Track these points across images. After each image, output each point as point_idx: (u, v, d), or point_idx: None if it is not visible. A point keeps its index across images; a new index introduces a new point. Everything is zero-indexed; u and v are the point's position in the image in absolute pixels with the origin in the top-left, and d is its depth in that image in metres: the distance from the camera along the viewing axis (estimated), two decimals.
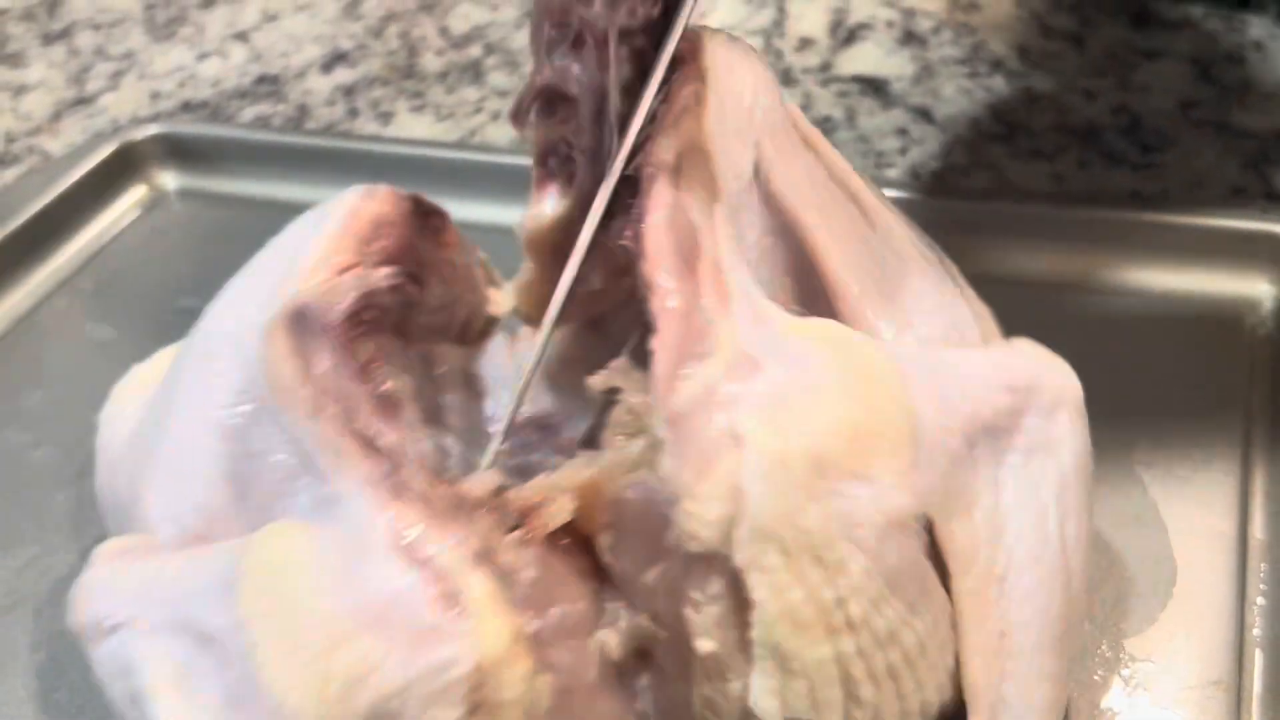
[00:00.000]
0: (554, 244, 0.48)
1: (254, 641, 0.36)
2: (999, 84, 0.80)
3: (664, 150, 0.42)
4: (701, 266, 0.39)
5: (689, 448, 0.36)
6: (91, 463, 0.58)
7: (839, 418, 0.36)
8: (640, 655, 0.40)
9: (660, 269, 0.39)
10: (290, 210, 0.72)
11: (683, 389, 0.37)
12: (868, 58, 0.84)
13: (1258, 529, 0.50)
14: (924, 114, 0.78)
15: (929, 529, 0.38)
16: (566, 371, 0.50)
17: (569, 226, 0.48)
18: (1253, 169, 0.70)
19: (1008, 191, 0.70)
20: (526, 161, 0.70)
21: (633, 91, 0.44)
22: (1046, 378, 0.42)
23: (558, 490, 0.39)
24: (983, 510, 0.40)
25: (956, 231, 0.63)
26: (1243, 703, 0.45)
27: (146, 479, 0.45)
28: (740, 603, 0.36)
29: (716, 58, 0.44)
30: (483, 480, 0.40)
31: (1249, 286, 0.61)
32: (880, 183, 0.67)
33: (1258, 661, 0.46)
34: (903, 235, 0.46)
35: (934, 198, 0.65)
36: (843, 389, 0.37)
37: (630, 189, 0.44)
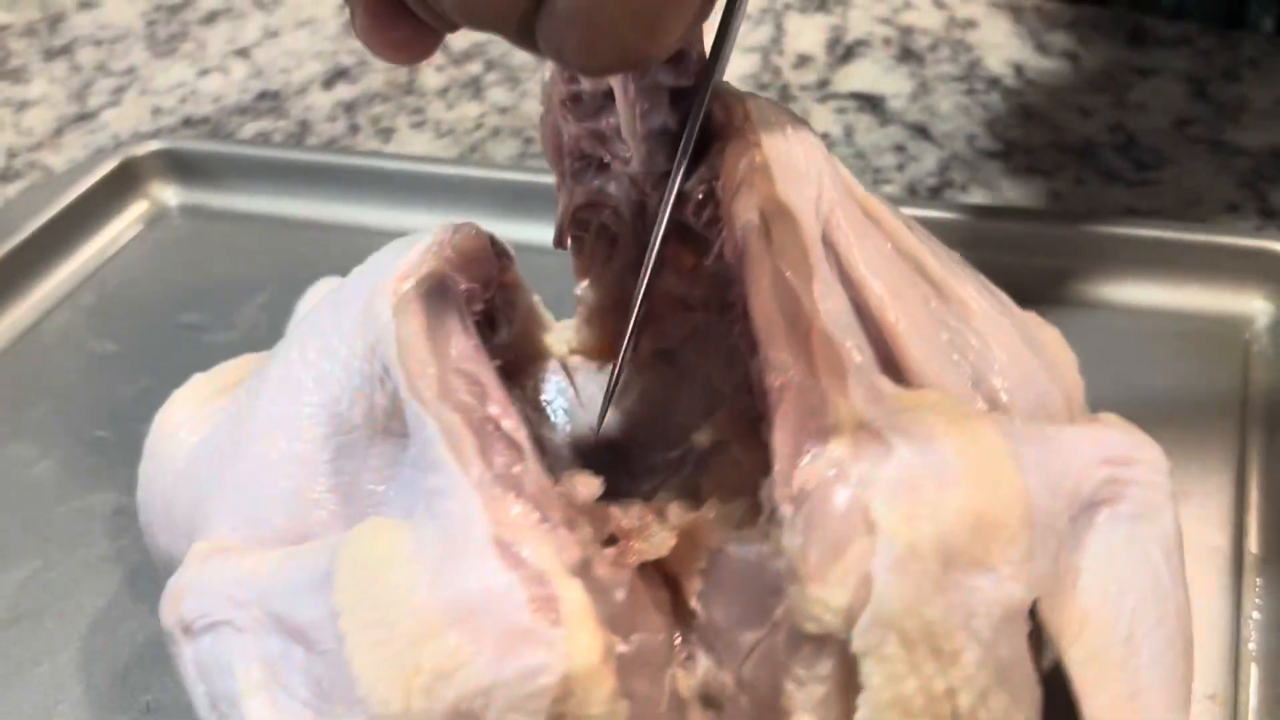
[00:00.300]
0: (609, 307, 0.49)
1: (345, 631, 0.36)
2: (996, 101, 0.80)
3: (746, 208, 0.41)
4: (814, 338, 0.38)
5: (817, 529, 0.35)
6: (93, 477, 0.58)
7: (965, 506, 0.35)
8: (706, 701, 0.39)
9: (774, 341, 0.38)
10: (290, 225, 0.74)
11: (809, 467, 0.36)
12: (865, 75, 0.85)
13: (1253, 544, 0.50)
14: (921, 131, 0.78)
15: (1031, 610, 0.37)
16: (638, 400, 0.50)
17: (618, 288, 0.48)
18: (1248, 186, 0.71)
19: (1004, 208, 0.70)
20: (527, 177, 0.72)
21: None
22: (1139, 451, 0.42)
23: (661, 523, 0.39)
24: (1090, 580, 0.39)
25: (954, 247, 0.64)
26: (1238, 717, 0.45)
27: (220, 494, 0.44)
28: (847, 685, 0.35)
29: (764, 122, 0.43)
30: (589, 485, 0.39)
31: (1244, 303, 0.61)
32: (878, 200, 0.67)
33: (1253, 675, 0.46)
34: (976, 304, 0.45)
35: (931, 214, 0.65)
36: (968, 474, 0.36)
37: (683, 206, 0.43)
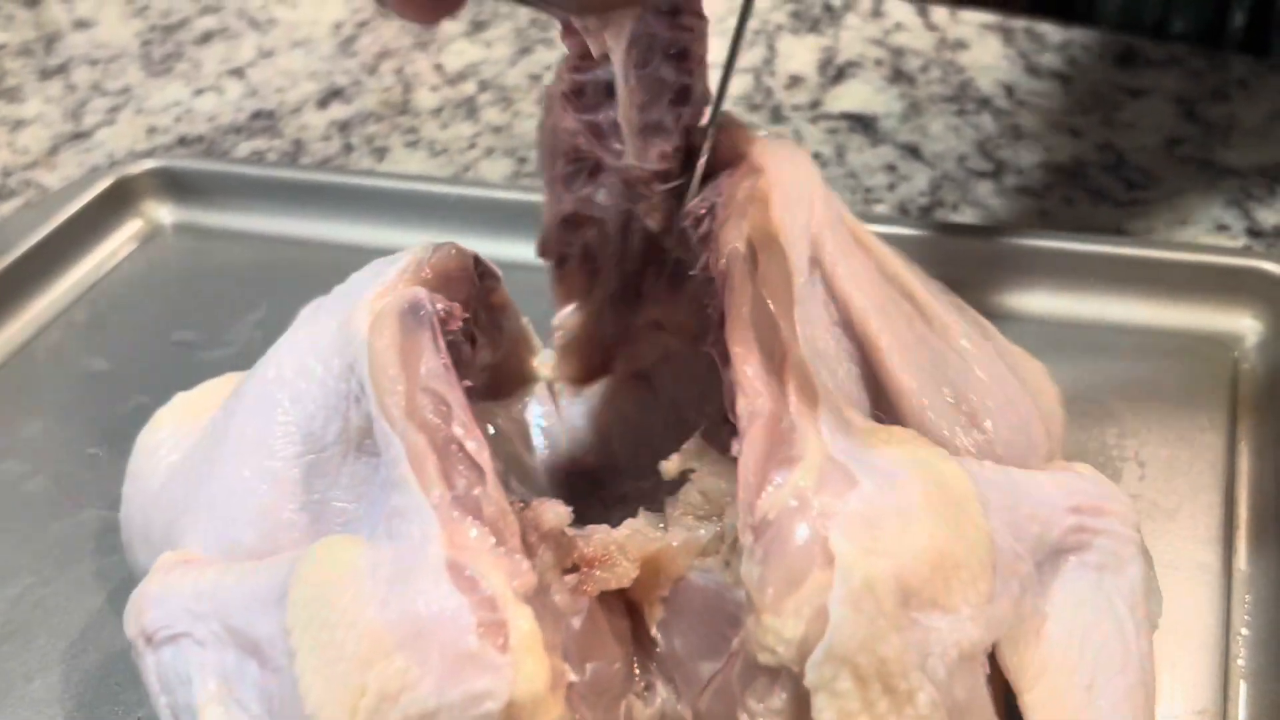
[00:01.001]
0: (586, 338, 0.49)
1: (295, 649, 0.36)
2: (986, 121, 0.81)
3: (734, 237, 0.41)
4: (788, 367, 0.39)
5: (775, 559, 0.35)
6: (86, 493, 0.58)
7: (926, 545, 0.35)
8: None
9: (747, 367, 0.38)
10: (285, 244, 0.74)
11: (772, 496, 0.36)
12: (857, 95, 0.85)
13: (1242, 561, 0.51)
14: (912, 151, 0.79)
15: (990, 653, 0.37)
16: (615, 424, 0.50)
17: (596, 319, 0.49)
18: (1237, 206, 0.71)
19: (994, 227, 0.70)
20: (521, 196, 0.72)
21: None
22: (1109, 502, 0.42)
23: (624, 552, 0.39)
24: (1055, 623, 0.40)
25: (944, 266, 0.64)
26: None
27: (193, 512, 0.44)
28: (801, 719, 0.35)
29: (768, 151, 0.44)
30: (557, 513, 0.39)
31: (1233, 322, 0.61)
32: (868, 218, 0.68)
33: (1242, 692, 0.46)
34: (959, 328, 0.46)
35: (922, 233, 0.65)
36: (931, 513, 0.36)
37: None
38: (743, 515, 0.36)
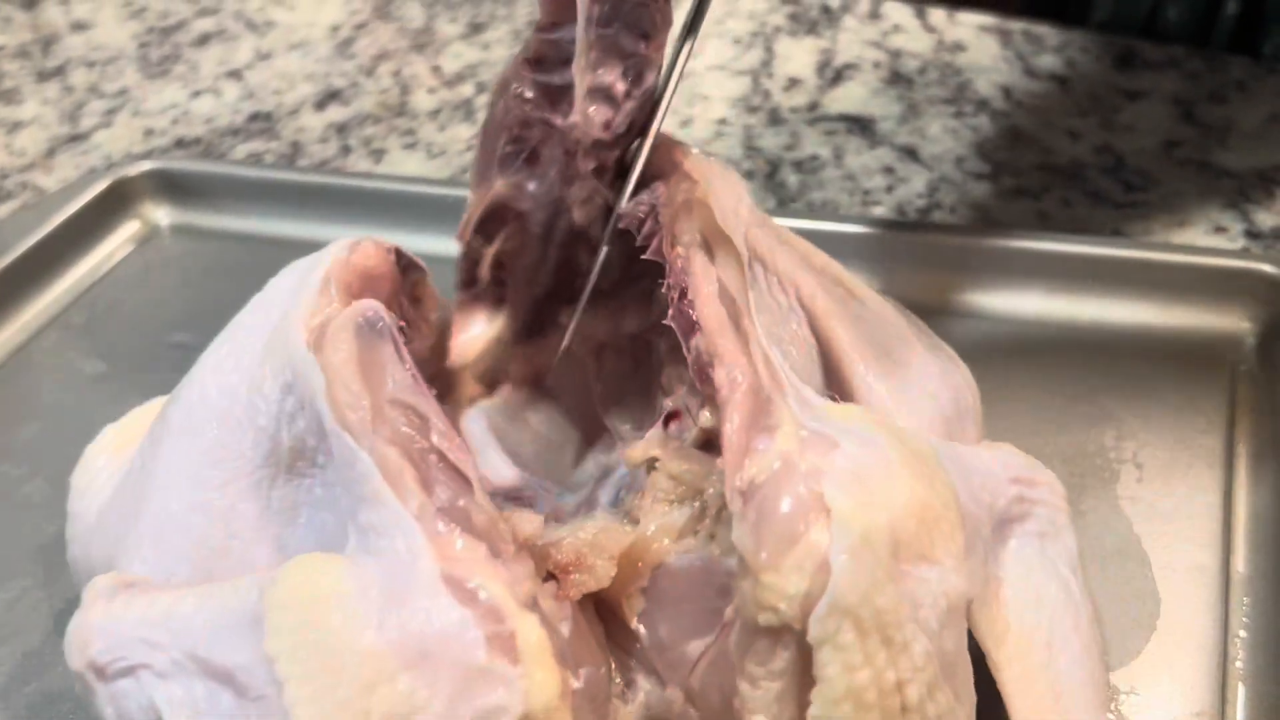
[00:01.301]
0: (487, 366, 0.49)
1: (285, 678, 0.34)
2: (984, 123, 0.81)
3: (687, 231, 0.42)
4: (752, 345, 0.40)
5: (768, 520, 0.35)
6: None
7: (911, 497, 0.36)
8: None
9: (723, 340, 0.39)
10: (282, 246, 0.74)
11: (758, 460, 0.36)
12: (855, 97, 0.85)
13: (1240, 563, 0.51)
14: (910, 153, 0.79)
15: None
16: (523, 441, 0.50)
17: (500, 348, 0.49)
18: (1234, 208, 0.71)
19: (992, 229, 0.70)
20: None
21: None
22: (1040, 474, 0.44)
23: (599, 552, 0.39)
24: (1011, 587, 0.41)
25: (942, 268, 0.64)
26: None
27: (127, 547, 0.43)
28: (801, 680, 0.36)
29: (698, 162, 0.45)
30: (531, 522, 0.39)
31: (1231, 323, 0.61)
32: (867, 220, 0.68)
33: (1240, 694, 0.46)
34: (889, 309, 0.47)
35: (920, 235, 0.65)
36: (908, 470, 0.37)
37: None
38: (730, 481, 0.37)
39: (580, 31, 0.43)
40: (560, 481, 0.48)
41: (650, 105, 0.45)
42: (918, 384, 0.45)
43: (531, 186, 0.47)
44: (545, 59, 0.45)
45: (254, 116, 0.90)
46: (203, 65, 0.97)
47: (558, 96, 0.45)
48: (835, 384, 0.44)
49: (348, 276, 0.43)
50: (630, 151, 0.46)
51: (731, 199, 0.45)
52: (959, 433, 0.45)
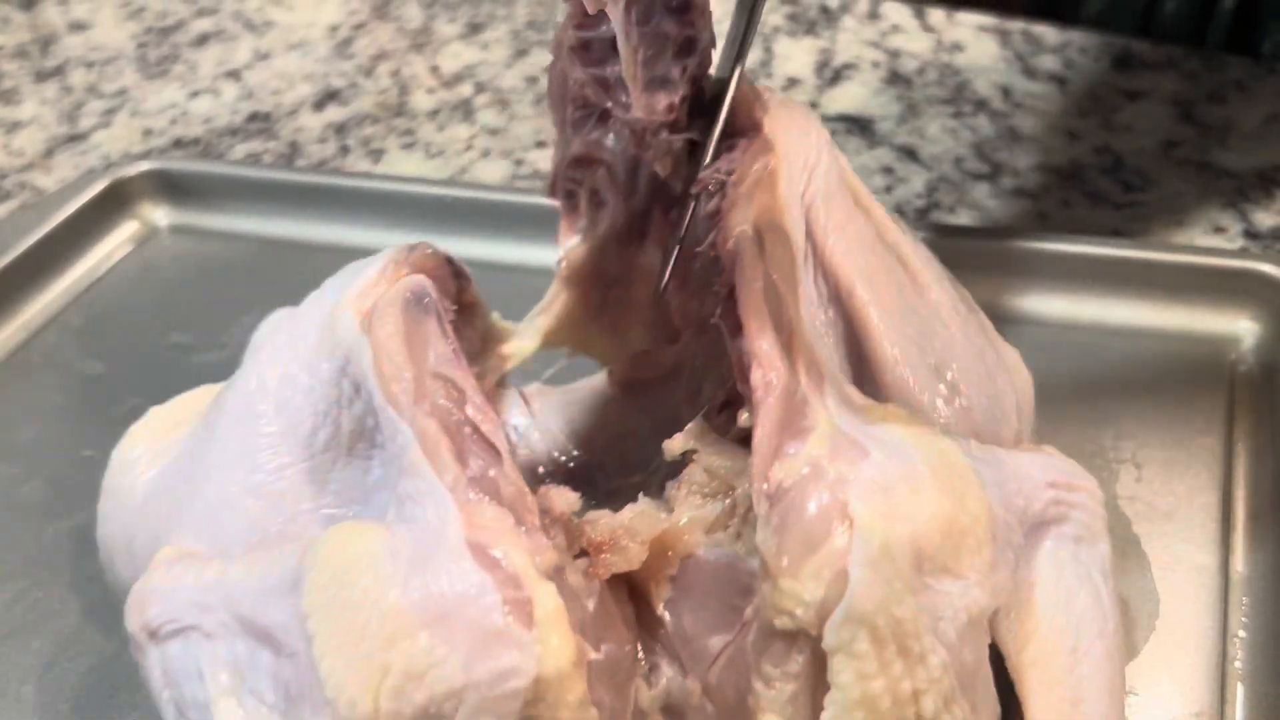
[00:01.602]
0: (589, 272, 0.49)
1: (314, 633, 0.36)
2: (983, 124, 0.81)
3: (741, 220, 0.42)
4: (796, 345, 0.40)
5: (791, 525, 0.36)
6: (81, 496, 0.58)
7: (936, 511, 0.36)
8: (668, 711, 0.40)
9: (763, 341, 0.39)
10: (281, 246, 0.74)
11: (787, 465, 0.37)
12: (854, 97, 0.85)
13: (1239, 563, 0.51)
14: (909, 153, 0.79)
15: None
16: (598, 427, 0.50)
17: (602, 255, 0.49)
18: (1233, 208, 0.71)
19: (991, 229, 0.70)
20: (516, 199, 0.72)
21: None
22: (1080, 479, 0.44)
23: (632, 535, 0.39)
24: (1042, 590, 0.41)
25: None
26: None
27: (179, 528, 0.44)
28: (815, 684, 0.36)
29: (779, 122, 0.45)
30: (565, 498, 0.39)
31: (1230, 324, 0.61)
32: None
33: (1239, 694, 0.46)
34: (947, 299, 0.47)
35: (919, 235, 0.65)
36: (937, 483, 0.37)
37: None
38: (757, 483, 0.37)
39: (621, 39, 0.42)
40: (630, 468, 0.48)
41: (712, 67, 0.44)
42: (954, 385, 0.44)
43: (609, 142, 0.47)
44: (589, 45, 0.45)
45: (252, 117, 0.90)
46: (201, 65, 0.97)
47: (611, 85, 0.45)
48: (867, 376, 0.44)
49: (404, 273, 0.44)
50: (708, 91, 0.45)
51: (804, 165, 0.44)
52: (991, 436, 0.44)
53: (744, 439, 0.41)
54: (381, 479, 0.41)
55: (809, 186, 0.44)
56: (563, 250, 0.50)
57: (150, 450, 0.49)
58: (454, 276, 0.46)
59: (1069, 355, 0.61)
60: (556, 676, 0.34)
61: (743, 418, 0.40)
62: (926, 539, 0.36)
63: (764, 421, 0.38)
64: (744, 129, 0.45)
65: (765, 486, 0.37)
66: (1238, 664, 0.47)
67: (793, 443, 0.37)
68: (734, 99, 0.45)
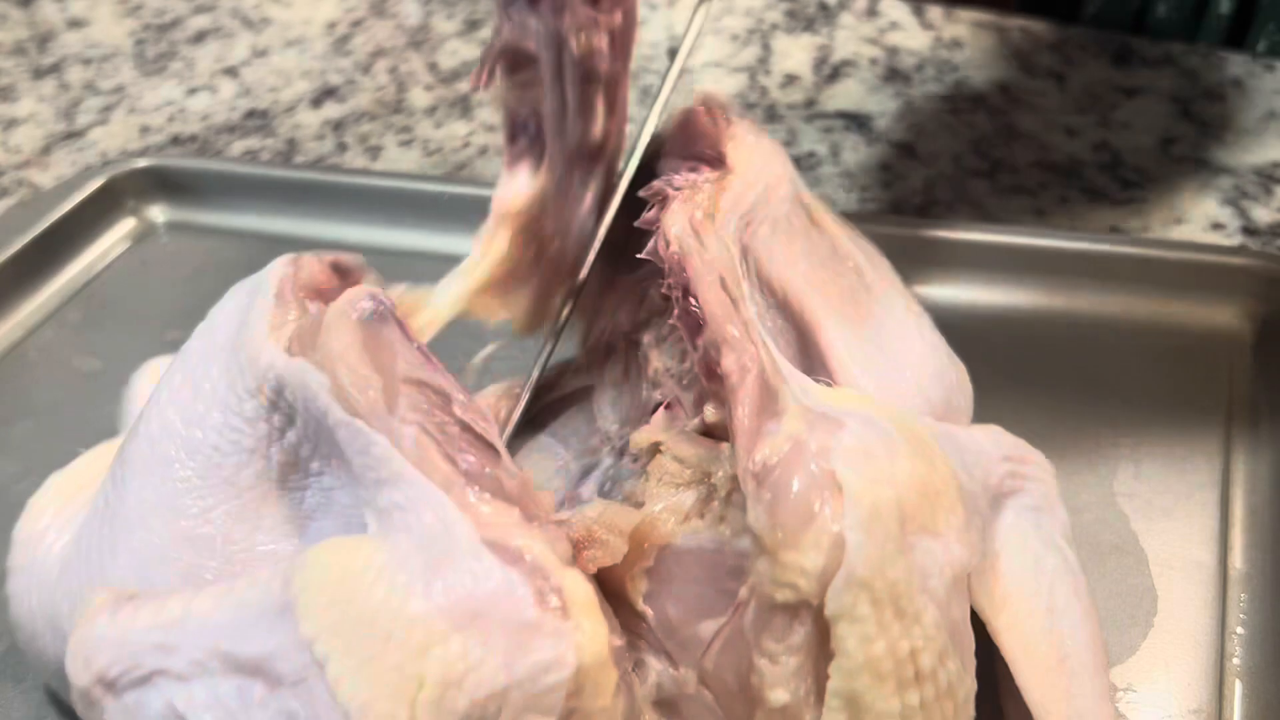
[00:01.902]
0: (526, 221, 0.49)
1: (326, 656, 0.34)
2: (981, 120, 0.81)
3: (677, 222, 0.43)
4: (752, 333, 0.41)
5: (783, 499, 0.36)
6: None
7: (912, 474, 0.37)
8: (661, 706, 0.40)
9: (730, 328, 0.40)
10: (278, 243, 0.73)
11: (769, 443, 0.37)
12: (852, 94, 0.85)
13: (1237, 559, 0.51)
14: (907, 149, 0.79)
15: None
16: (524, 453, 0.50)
17: (541, 203, 0.49)
18: (1231, 205, 0.71)
19: (989, 226, 0.70)
20: None
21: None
22: (1030, 452, 0.45)
23: (610, 528, 0.39)
24: (1009, 558, 0.42)
25: (939, 265, 0.64)
26: None
27: (109, 585, 0.41)
28: (819, 654, 0.36)
29: (743, 148, 0.46)
30: (545, 496, 0.39)
31: (1228, 320, 0.61)
32: (863, 217, 0.68)
33: (1237, 690, 0.46)
34: (900, 302, 0.48)
35: (917, 231, 0.65)
36: (909, 447, 0.38)
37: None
38: (743, 464, 0.37)
39: None
40: (545, 482, 0.48)
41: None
42: (908, 379, 0.45)
43: (534, 24, 0.46)
44: None
45: (250, 113, 0.90)
46: (199, 62, 0.97)
47: None
48: (818, 373, 0.45)
49: (296, 290, 0.43)
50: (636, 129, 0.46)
51: (759, 185, 0.46)
52: (948, 420, 0.46)
53: (703, 434, 0.42)
54: (318, 507, 0.40)
55: (759, 208, 0.45)
56: (500, 196, 0.49)
57: (58, 519, 0.47)
58: (343, 278, 0.45)
59: (1067, 351, 0.61)
60: (596, 663, 0.34)
61: (707, 411, 0.41)
62: (908, 500, 0.37)
63: (743, 403, 0.39)
64: (710, 158, 0.46)
65: (751, 466, 0.37)
66: (1236, 661, 0.47)
67: (770, 422, 0.38)
68: (700, 129, 0.46)
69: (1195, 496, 0.53)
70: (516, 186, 0.49)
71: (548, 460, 0.48)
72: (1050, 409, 0.57)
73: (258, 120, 0.89)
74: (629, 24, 0.46)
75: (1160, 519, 0.52)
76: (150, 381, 0.53)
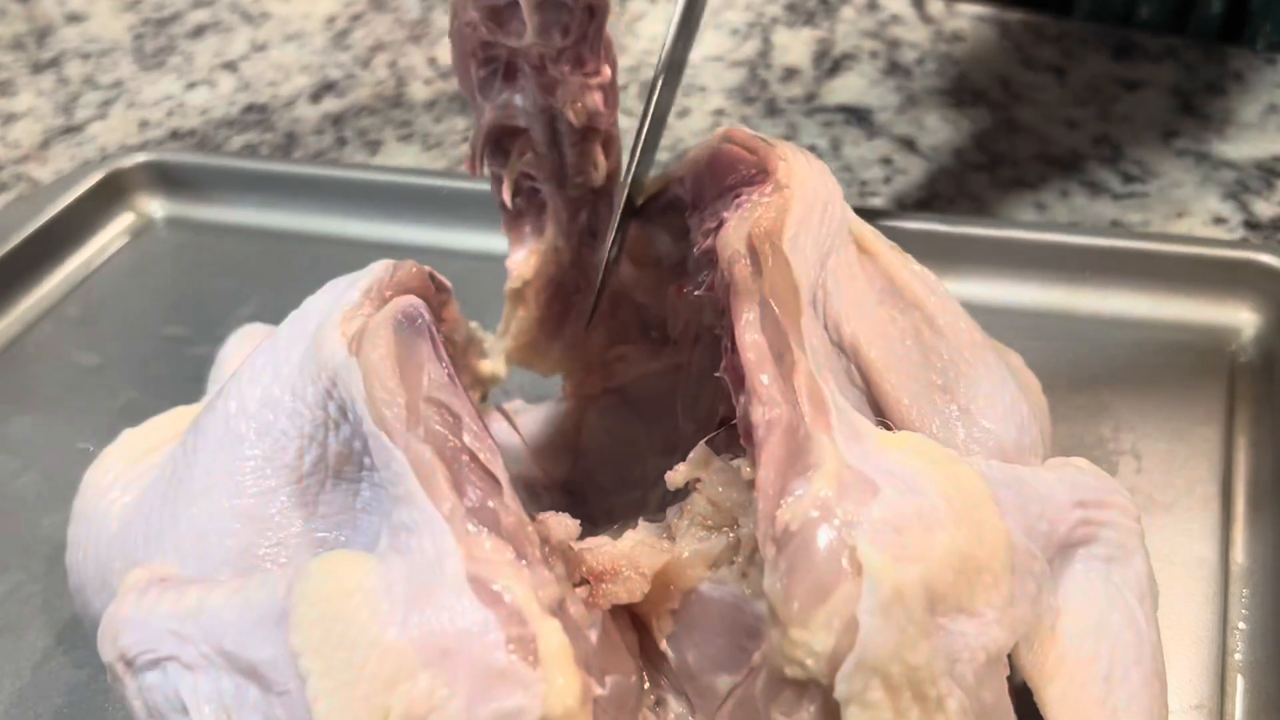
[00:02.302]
0: (544, 281, 0.49)
1: (308, 672, 0.34)
2: (982, 114, 0.81)
3: (735, 240, 0.41)
4: (797, 376, 0.38)
5: (800, 571, 0.34)
6: (77, 489, 0.58)
7: (949, 550, 0.35)
8: None
9: (762, 375, 0.38)
10: (277, 238, 0.74)
11: (793, 507, 0.35)
12: (852, 88, 0.85)
13: (1239, 554, 0.50)
14: (908, 144, 0.79)
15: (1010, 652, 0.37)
16: (591, 438, 0.50)
17: (556, 258, 0.48)
18: (1233, 199, 0.71)
19: (990, 220, 0.70)
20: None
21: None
22: (1110, 495, 0.42)
23: (634, 566, 0.38)
24: (1070, 617, 0.39)
25: (940, 259, 0.64)
26: None
27: (160, 554, 0.42)
28: None
29: (796, 168, 0.43)
30: (565, 526, 0.38)
31: (1230, 314, 0.61)
32: (865, 212, 0.67)
33: (1239, 686, 0.46)
34: (965, 336, 0.45)
35: (918, 226, 0.65)
36: (952, 516, 0.35)
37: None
38: (763, 527, 0.35)
39: None
40: (627, 484, 0.47)
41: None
42: (975, 422, 0.43)
43: (519, 102, 0.45)
44: None
45: (249, 108, 0.90)
46: (198, 57, 0.97)
47: (505, 16, 0.43)
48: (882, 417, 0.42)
49: (388, 294, 0.43)
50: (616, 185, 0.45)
51: (819, 203, 0.43)
52: (1019, 461, 0.43)
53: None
54: (371, 502, 0.40)
55: (822, 235, 0.43)
56: (511, 266, 0.49)
57: (124, 475, 0.47)
58: (436, 291, 0.45)
59: (1068, 346, 0.61)
60: (563, 716, 0.33)
61: (744, 471, 0.38)
62: (940, 579, 0.34)
63: (767, 461, 0.36)
64: (754, 179, 0.43)
65: (771, 530, 0.35)
66: (1238, 656, 0.47)
67: (798, 482, 0.35)
68: (734, 158, 0.44)
69: (1197, 492, 0.53)
70: (525, 251, 0.48)
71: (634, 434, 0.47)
72: (1050, 404, 0.57)
73: (257, 115, 0.89)
74: (615, 70, 0.45)
75: (1162, 514, 0.52)
76: (240, 348, 0.53)
